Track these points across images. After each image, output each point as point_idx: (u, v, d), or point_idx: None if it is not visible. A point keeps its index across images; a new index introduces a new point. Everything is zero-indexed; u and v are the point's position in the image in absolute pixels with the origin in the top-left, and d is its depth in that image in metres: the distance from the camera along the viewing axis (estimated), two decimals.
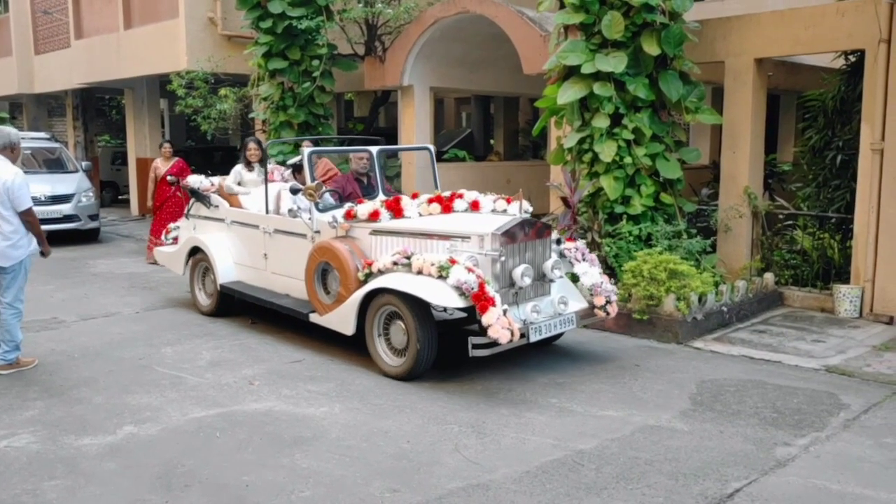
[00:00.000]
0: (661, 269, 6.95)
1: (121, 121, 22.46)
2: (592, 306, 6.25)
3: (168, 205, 11.07)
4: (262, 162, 8.15)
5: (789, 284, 8.45)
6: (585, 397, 5.43)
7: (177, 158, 11.27)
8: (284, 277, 7.05)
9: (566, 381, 5.77)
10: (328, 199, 6.84)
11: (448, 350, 6.11)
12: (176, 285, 9.35)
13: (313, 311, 6.50)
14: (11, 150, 5.93)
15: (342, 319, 6.14)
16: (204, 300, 8.00)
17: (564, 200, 8.09)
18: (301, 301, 6.78)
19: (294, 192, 6.89)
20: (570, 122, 8.17)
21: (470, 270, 5.43)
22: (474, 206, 6.65)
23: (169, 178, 10.96)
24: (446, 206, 6.54)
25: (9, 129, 5.98)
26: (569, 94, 7.84)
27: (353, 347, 6.49)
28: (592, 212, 8.11)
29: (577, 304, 6.21)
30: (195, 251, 8.02)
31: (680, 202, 8.21)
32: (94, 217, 13.37)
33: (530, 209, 6.53)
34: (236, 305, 7.83)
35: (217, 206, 7.91)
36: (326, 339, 6.77)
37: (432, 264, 5.55)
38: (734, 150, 8.58)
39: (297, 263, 6.72)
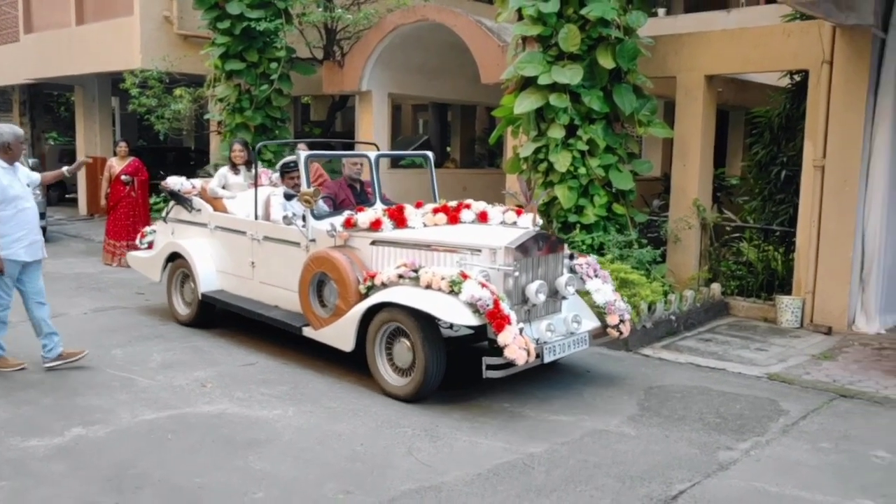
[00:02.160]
0: (613, 278, 7.11)
1: (69, 118, 21.95)
2: (605, 325, 5.97)
3: (122, 205, 10.89)
4: (249, 164, 7.88)
5: (735, 295, 8.71)
6: (537, 402, 5.53)
7: (133, 158, 11.10)
8: (274, 287, 6.66)
9: (518, 386, 5.86)
10: (321, 206, 6.53)
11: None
12: (126, 287, 9.21)
13: (307, 325, 6.11)
14: (6, 151, 5.73)
15: (340, 335, 5.77)
16: (182, 309, 7.56)
17: (520, 209, 8.20)
18: (292, 313, 6.39)
19: (288, 197, 6.59)
20: (527, 132, 8.31)
21: (483, 286, 5.13)
22: (482, 217, 6.34)
23: (124, 177, 10.79)
24: (453, 217, 6.22)
25: (4, 129, 5.75)
26: (525, 104, 7.98)
27: (308, 351, 6.49)
28: (547, 220, 8.25)
29: (590, 322, 5.97)
30: (174, 257, 7.61)
31: (632, 213, 8.41)
32: (40, 216, 13.03)
33: (540, 222, 6.18)
34: (218, 316, 7.44)
35: (199, 210, 7.49)
36: (280, 343, 6.76)
37: (442, 278, 5.23)
38: (685, 163, 8.82)
39: (288, 273, 6.37)
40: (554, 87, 7.88)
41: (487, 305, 5.04)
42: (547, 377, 6.09)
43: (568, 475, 4.33)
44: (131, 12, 13.15)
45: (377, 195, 6.87)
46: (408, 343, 5.41)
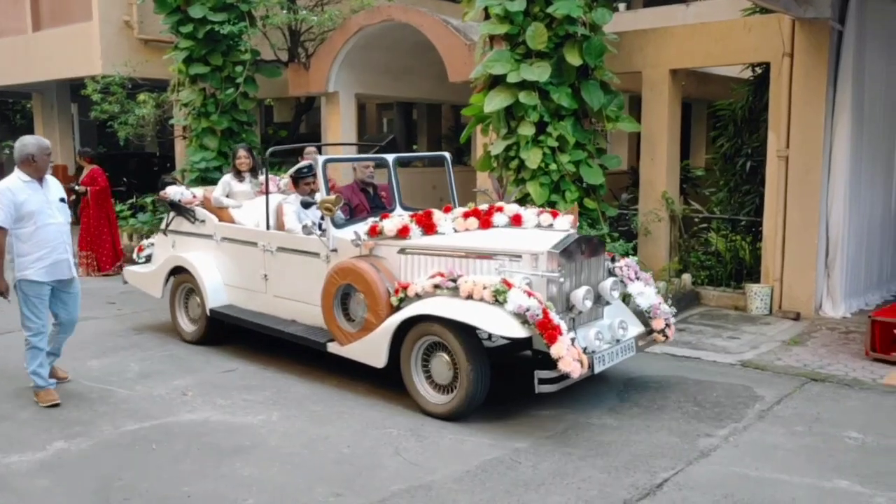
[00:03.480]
0: None
1: (27, 126, 21.50)
2: (650, 330, 5.73)
3: (83, 216, 10.71)
4: (254, 171, 7.51)
5: (705, 284, 8.87)
6: (518, 397, 5.58)
7: (93, 167, 10.91)
8: (290, 301, 6.28)
9: (498, 382, 5.90)
10: (338, 213, 6.14)
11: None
12: (96, 296, 9.07)
13: (331, 340, 5.77)
14: (29, 163, 5.32)
15: (371, 350, 5.43)
16: (188, 326, 7.13)
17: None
18: (312, 328, 6.05)
19: (306, 205, 6.28)
20: (497, 130, 8.36)
21: (530, 294, 4.88)
22: (516, 220, 5.95)
23: (77, 187, 10.61)
24: (485, 221, 5.85)
25: (28, 140, 5.37)
26: (495, 102, 8.03)
27: (288, 355, 6.48)
28: None
29: (634, 328, 5.71)
30: (176, 271, 7.19)
31: (602, 207, 8.51)
32: None
33: (576, 224, 5.93)
34: (228, 333, 7.00)
35: (203, 221, 7.05)
36: (259, 349, 6.74)
37: (484, 287, 4.93)
38: (652, 156, 8.97)
39: (306, 286, 6.04)
40: (523, 85, 7.94)
41: (537, 315, 4.76)
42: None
43: (554, 468, 4.40)
44: (90, 17, 12.95)
45: (397, 200, 6.47)
46: (447, 357, 5.12)
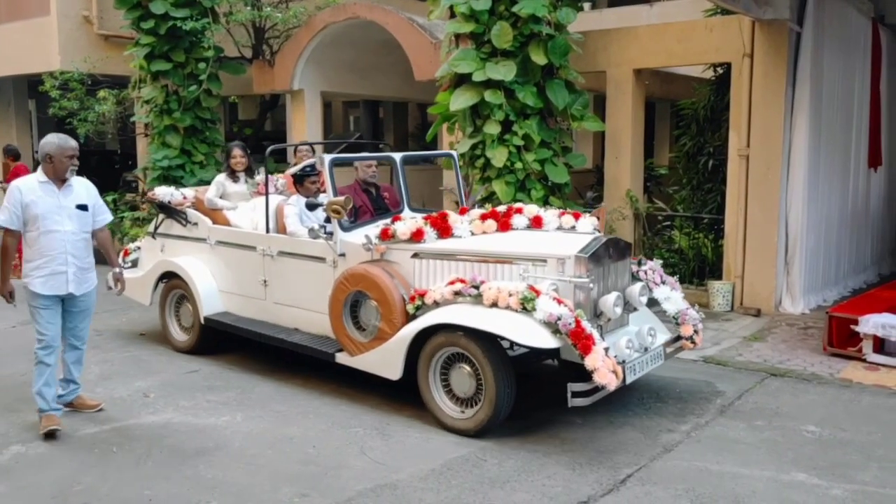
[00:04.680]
0: None
1: None
2: (676, 336, 5.48)
3: None
4: (249, 171, 7.06)
5: None
6: None
7: (17, 164, 10.68)
8: (292, 308, 5.98)
9: None
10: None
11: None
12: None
13: (340, 351, 5.48)
14: (48, 163, 4.90)
15: (385, 361, 5.15)
16: (179, 335, 6.80)
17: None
18: (316, 337, 5.76)
19: (311, 207, 5.96)
20: (463, 129, 8.38)
21: (559, 302, 4.63)
22: (536, 222, 5.63)
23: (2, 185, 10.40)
24: (503, 223, 5.52)
25: (48, 139, 4.93)
26: (461, 101, 8.04)
27: (251, 356, 6.42)
28: None
29: (662, 335, 5.48)
30: (167, 277, 6.87)
31: (568, 205, 8.56)
32: None
33: (598, 226, 5.69)
34: (224, 341, 6.63)
35: (196, 224, 6.72)
36: (222, 349, 6.64)
37: (510, 294, 4.66)
38: (617, 155, 9.06)
39: (310, 292, 5.76)
40: (488, 84, 7.96)
41: (569, 324, 4.50)
42: None
43: (520, 465, 4.42)
44: (48, 12, 12.66)
45: (405, 201, 6.18)
46: (468, 369, 4.85)
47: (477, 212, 5.63)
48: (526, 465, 4.42)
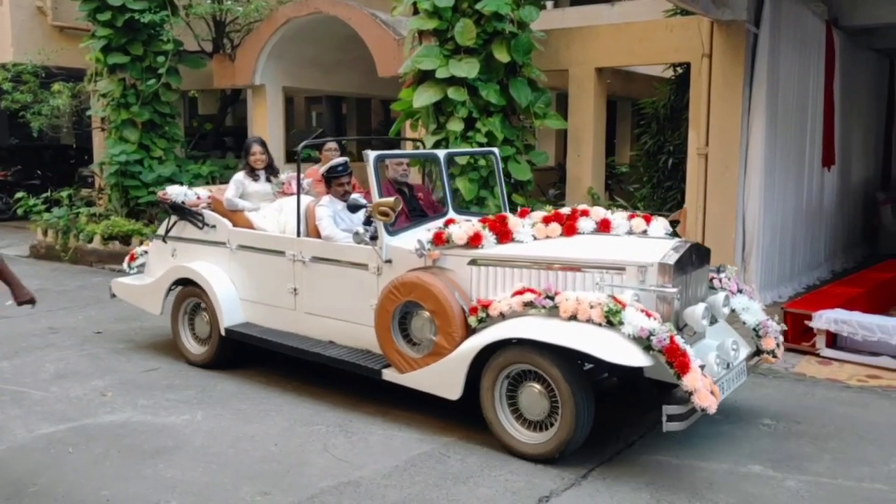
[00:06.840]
0: None
1: None
2: (756, 350, 5.13)
3: None
4: (270, 168, 6.49)
5: None
6: None
7: None
8: (327, 319, 5.49)
9: None
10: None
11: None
12: (4, 295, 8.66)
13: (387, 367, 5.01)
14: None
15: (442, 379, 4.67)
16: (195, 347, 6.25)
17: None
18: (355, 351, 5.31)
19: (353, 209, 5.53)
20: (426, 126, 8.39)
21: (648, 315, 4.18)
22: (603, 225, 5.14)
23: None
24: (569, 227, 5.03)
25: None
26: (424, 97, 8.05)
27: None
28: None
29: (743, 349, 5.08)
30: (180, 284, 6.32)
31: (530, 203, 8.63)
32: None
33: (670, 229, 5.28)
34: (246, 355, 6.15)
35: (214, 227, 6.18)
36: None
37: (592, 306, 4.22)
38: (579, 153, 9.14)
39: (348, 301, 5.32)
40: (452, 81, 7.99)
41: (664, 340, 4.06)
42: None
43: (483, 461, 4.44)
44: (0, 2, 12.37)
45: (449, 203, 5.66)
46: (538, 388, 4.41)
47: (538, 214, 5.16)
48: (489, 461, 4.44)
